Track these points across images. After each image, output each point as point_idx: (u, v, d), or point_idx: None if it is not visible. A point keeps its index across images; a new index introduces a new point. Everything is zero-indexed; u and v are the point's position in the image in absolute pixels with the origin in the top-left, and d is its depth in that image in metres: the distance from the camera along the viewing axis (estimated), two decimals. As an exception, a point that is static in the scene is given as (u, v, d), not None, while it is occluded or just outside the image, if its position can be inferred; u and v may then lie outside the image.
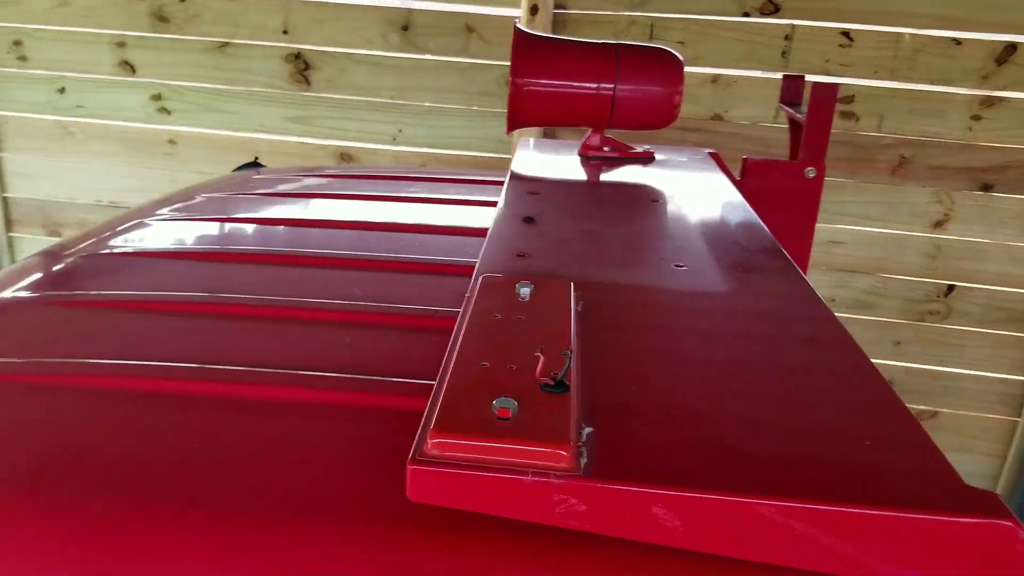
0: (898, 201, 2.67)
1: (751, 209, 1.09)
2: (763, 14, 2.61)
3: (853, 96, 2.61)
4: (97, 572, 0.52)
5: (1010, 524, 0.45)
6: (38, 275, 1.03)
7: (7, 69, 3.13)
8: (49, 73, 3.12)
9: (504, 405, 0.53)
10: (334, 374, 0.73)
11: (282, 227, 1.19)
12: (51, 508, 0.56)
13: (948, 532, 0.45)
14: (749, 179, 1.44)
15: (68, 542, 0.54)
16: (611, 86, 1.32)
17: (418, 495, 0.50)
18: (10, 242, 3.42)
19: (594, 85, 1.32)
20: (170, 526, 0.55)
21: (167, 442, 0.63)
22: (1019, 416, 2.83)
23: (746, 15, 2.61)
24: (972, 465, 2.89)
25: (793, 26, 2.61)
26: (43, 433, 0.65)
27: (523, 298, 0.73)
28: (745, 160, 1.46)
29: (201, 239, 1.15)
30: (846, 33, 2.58)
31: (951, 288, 2.74)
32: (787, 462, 0.50)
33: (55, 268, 1.06)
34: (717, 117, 2.73)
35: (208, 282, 0.96)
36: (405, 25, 2.83)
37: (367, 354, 0.78)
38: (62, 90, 3.13)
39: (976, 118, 2.56)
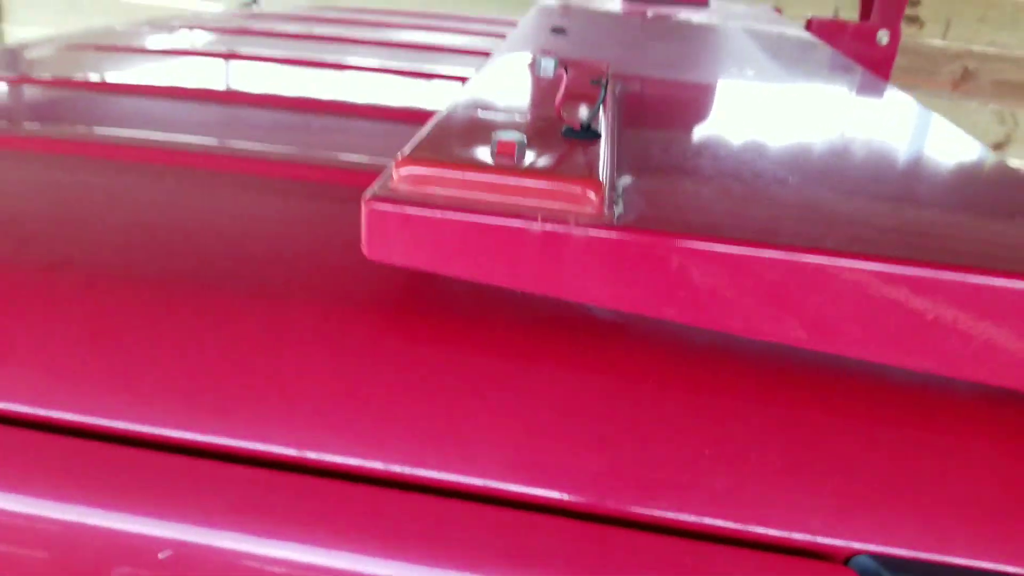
0: (956, 118, 2.44)
1: (825, 44, 0.91)
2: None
3: (920, -2, 2.36)
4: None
5: None
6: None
7: (8, -70, 2.92)
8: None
9: (508, 137, 0.37)
10: (299, 153, 0.57)
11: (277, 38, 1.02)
12: None
13: None
14: (812, 43, 1.25)
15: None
16: (662, -88, 1.12)
17: (378, 251, 0.35)
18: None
19: (642, -89, 1.12)
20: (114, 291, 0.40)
21: (131, 208, 0.48)
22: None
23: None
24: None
25: (860, -84, 2.35)
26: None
27: (545, 72, 0.56)
28: (809, 21, 1.26)
29: (179, 44, 0.98)
30: (919, -74, 2.32)
31: (1006, 216, 2.52)
32: (903, 224, 0.35)
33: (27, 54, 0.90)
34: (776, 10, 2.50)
35: (186, 76, 0.80)
36: None
37: (339, 138, 0.62)
38: (66, -45, 2.92)
39: (1055, 29, 2.31)
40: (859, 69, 0.74)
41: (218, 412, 0.35)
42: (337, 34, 1.07)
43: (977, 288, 0.31)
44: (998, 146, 2.47)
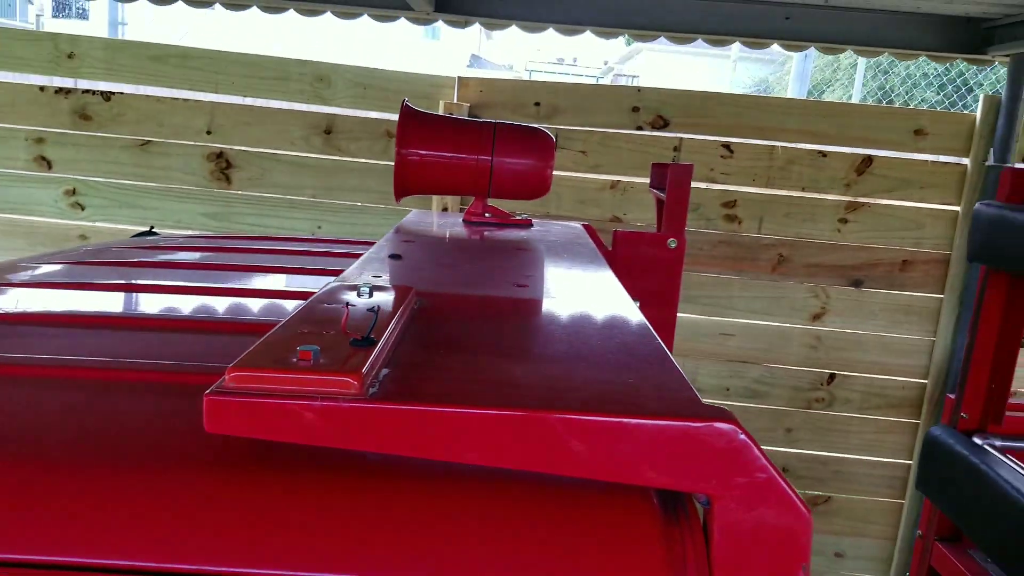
0: (780, 296, 2.86)
1: (602, 256, 1.19)
2: (654, 128, 2.86)
3: (736, 201, 2.84)
4: None
5: (731, 427, 0.52)
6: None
7: (-82, 161, 3.12)
8: (-40, 167, 3.12)
9: (307, 348, 0.58)
10: (156, 361, 0.77)
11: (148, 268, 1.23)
12: None
13: (688, 436, 0.52)
14: (620, 248, 1.56)
15: None
16: (488, 158, 1.44)
17: (215, 426, 0.54)
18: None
19: (473, 156, 1.44)
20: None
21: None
22: (904, 499, 2.94)
23: (639, 128, 2.86)
24: (867, 549, 2.96)
25: (681, 139, 2.87)
26: None
27: (362, 293, 0.79)
28: (615, 232, 1.58)
29: (69, 275, 1.18)
30: (727, 145, 2.84)
31: (832, 377, 2.90)
32: (557, 390, 0.57)
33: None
34: (616, 219, 2.92)
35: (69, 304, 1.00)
36: (328, 129, 2.98)
37: (191, 349, 0.82)
38: (-29, 183, 3.13)
39: (843, 221, 2.81)
40: (608, 273, 1.01)
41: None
42: (222, 261, 1.29)
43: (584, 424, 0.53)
44: (816, 316, 2.87)
